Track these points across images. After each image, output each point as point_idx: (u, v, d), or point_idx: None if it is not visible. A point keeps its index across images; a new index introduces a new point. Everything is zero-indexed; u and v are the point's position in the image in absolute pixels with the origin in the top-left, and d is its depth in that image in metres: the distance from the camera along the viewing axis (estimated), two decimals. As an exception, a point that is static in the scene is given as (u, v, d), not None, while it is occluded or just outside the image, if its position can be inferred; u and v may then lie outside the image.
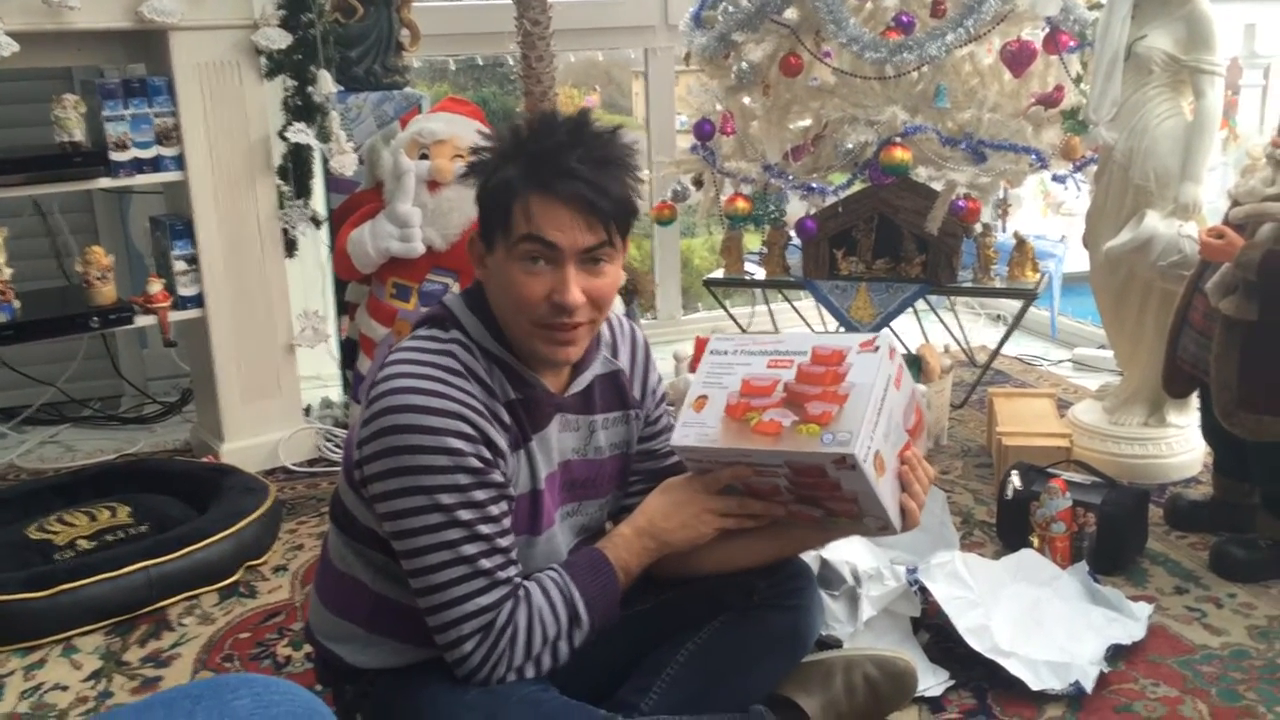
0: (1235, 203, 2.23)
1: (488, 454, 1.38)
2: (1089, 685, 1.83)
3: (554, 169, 1.36)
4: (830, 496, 1.43)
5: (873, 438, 1.36)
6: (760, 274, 3.31)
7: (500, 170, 1.40)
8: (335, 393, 3.37)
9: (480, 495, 1.37)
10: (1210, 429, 2.39)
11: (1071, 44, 2.86)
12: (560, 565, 1.48)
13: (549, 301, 1.38)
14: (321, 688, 1.74)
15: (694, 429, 1.44)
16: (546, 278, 1.38)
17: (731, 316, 3.62)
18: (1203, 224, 2.45)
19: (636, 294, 3.29)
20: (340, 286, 3.12)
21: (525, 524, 1.47)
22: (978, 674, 1.89)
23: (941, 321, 3.73)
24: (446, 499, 1.35)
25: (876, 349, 1.42)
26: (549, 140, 1.38)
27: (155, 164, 2.72)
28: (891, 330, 3.30)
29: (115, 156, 2.66)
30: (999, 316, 4.11)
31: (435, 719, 1.40)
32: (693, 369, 2.93)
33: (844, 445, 1.34)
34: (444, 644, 1.40)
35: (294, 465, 2.97)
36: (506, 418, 1.43)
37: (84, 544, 2.31)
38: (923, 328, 3.70)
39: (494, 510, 1.39)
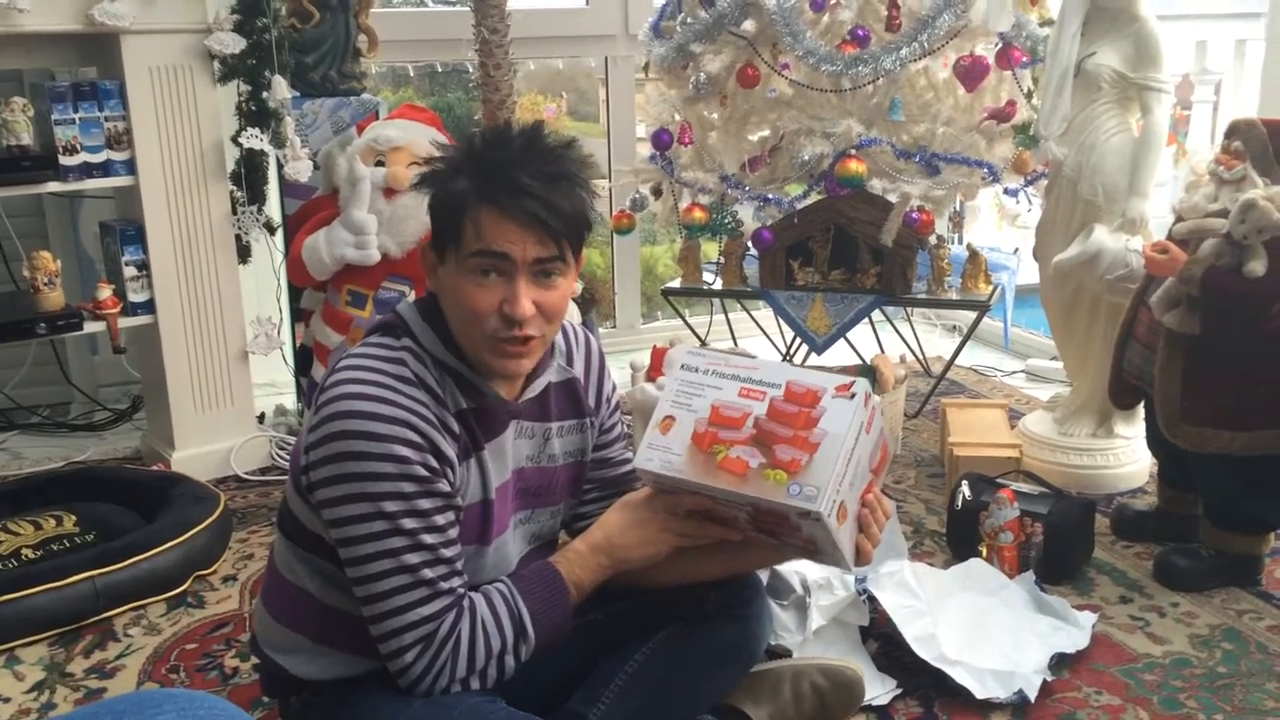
0: (1179, 218, 2.27)
1: (434, 463, 1.38)
2: (1033, 694, 1.85)
3: (505, 184, 1.36)
4: (789, 534, 1.43)
5: (839, 490, 1.36)
6: (718, 284, 3.33)
7: (452, 182, 1.40)
8: (289, 400, 3.34)
9: (425, 504, 1.37)
10: (1155, 440, 2.43)
11: (1023, 59, 2.90)
12: (511, 579, 1.48)
13: (499, 313, 1.39)
14: (267, 699, 1.73)
15: (659, 453, 1.42)
16: (498, 289, 1.39)
17: (690, 326, 3.63)
18: (1149, 239, 2.49)
19: (594, 303, 3.29)
20: (295, 293, 3.10)
21: (475, 534, 1.47)
22: (925, 682, 1.91)
23: (897, 331, 3.77)
24: (391, 507, 1.35)
25: (853, 396, 1.39)
26: (501, 153, 1.39)
27: (105, 168, 2.69)
28: (847, 340, 3.33)
29: (64, 160, 2.62)
30: (954, 327, 4.15)
31: (379, 730, 1.40)
32: (650, 379, 2.94)
33: (810, 501, 1.33)
34: (386, 654, 1.39)
35: (246, 474, 2.94)
36: (456, 427, 1.43)
37: (29, 553, 2.27)
38: (878, 338, 3.73)
39: (439, 520, 1.38)
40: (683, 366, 1.48)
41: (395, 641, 1.38)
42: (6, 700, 1.97)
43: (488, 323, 1.39)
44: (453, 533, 1.41)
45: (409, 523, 1.36)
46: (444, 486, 1.39)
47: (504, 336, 1.40)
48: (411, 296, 2.76)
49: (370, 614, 1.39)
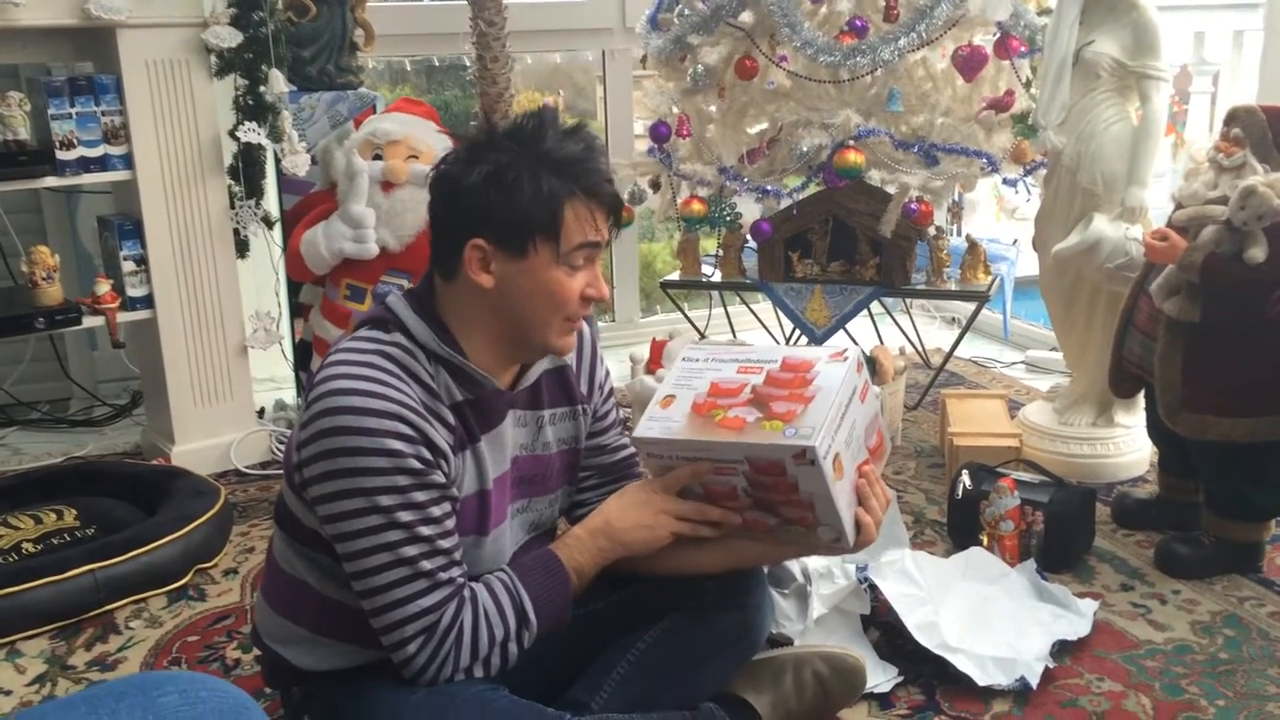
0: (1179, 205, 2.27)
1: (428, 454, 1.38)
2: (1035, 680, 1.85)
3: (594, 174, 1.42)
4: (787, 501, 1.44)
5: (834, 438, 1.39)
6: (717, 276, 3.32)
7: (536, 178, 1.39)
8: (289, 395, 3.34)
9: (420, 496, 1.37)
10: (1155, 428, 2.43)
11: (1022, 49, 2.90)
12: (511, 567, 1.48)
13: (582, 297, 1.45)
14: (270, 690, 1.73)
15: (658, 423, 1.47)
16: (583, 275, 1.45)
17: (689, 319, 3.63)
18: (1148, 227, 2.49)
19: (593, 296, 3.29)
20: (294, 288, 3.10)
21: (472, 525, 1.47)
22: (926, 670, 1.91)
23: (896, 323, 3.76)
24: (386, 500, 1.35)
25: (845, 359, 1.47)
26: (575, 146, 1.42)
27: (103, 163, 2.69)
28: (846, 332, 3.33)
29: (62, 155, 2.62)
30: (954, 319, 4.15)
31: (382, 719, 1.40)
32: (649, 371, 2.94)
33: (805, 439, 1.36)
34: (389, 645, 1.39)
35: (246, 468, 2.94)
36: (451, 419, 1.43)
37: (29, 547, 2.27)
38: (878, 329, 3.73)
39: (435, 511, 1.38)
40: (684, 358, 1.55)
41: (397, 634, 1.38)
42: (8, 693, 1.97)
43: (570, 308, 1.45)
44: (449, 523, 1.41)
45: (405, 515, 1.36)
46: (438, 478, 1.39)
47: (574, 317, 1.47)
48: (410, 290, 2.75)
49: (371, 607, 1.39)
